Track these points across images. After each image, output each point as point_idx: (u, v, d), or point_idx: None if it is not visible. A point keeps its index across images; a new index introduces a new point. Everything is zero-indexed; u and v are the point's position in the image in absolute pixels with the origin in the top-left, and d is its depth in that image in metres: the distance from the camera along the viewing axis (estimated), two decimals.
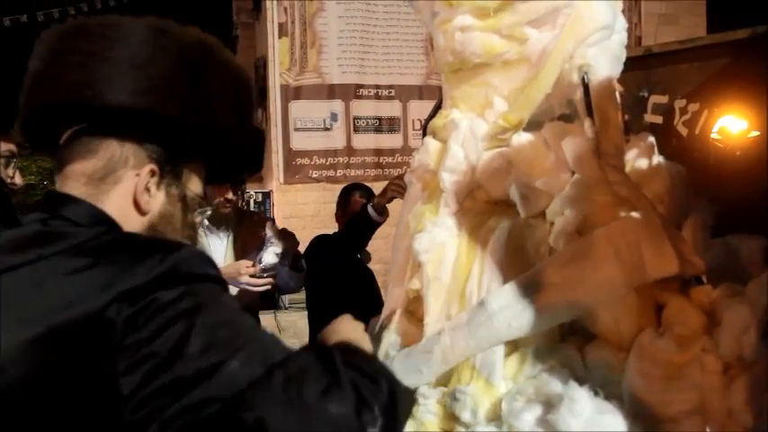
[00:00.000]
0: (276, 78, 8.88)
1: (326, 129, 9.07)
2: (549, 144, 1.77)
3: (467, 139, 1.79)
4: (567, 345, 1.59)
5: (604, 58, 1.72)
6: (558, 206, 1.63)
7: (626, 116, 2.35)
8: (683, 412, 1.36)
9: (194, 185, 1.08)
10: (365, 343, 1.01)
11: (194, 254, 0.91)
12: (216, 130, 1.05)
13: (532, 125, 1.83)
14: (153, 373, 0.79)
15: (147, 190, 1.00)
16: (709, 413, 1.36)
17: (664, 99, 2.34)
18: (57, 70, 0.99)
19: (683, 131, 2.29)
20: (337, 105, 9.01)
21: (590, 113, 1.70)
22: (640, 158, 1.91)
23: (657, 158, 1.91)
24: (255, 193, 9.39)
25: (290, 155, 9.05)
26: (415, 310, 1.83)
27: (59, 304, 0.84)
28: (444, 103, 1.95)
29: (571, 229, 1.61)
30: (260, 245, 2.77)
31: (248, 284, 2.66)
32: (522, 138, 1.78)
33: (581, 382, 1.48)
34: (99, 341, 0.81)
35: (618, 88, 1.80)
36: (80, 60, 0.98)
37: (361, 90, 9.02)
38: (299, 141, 9.10)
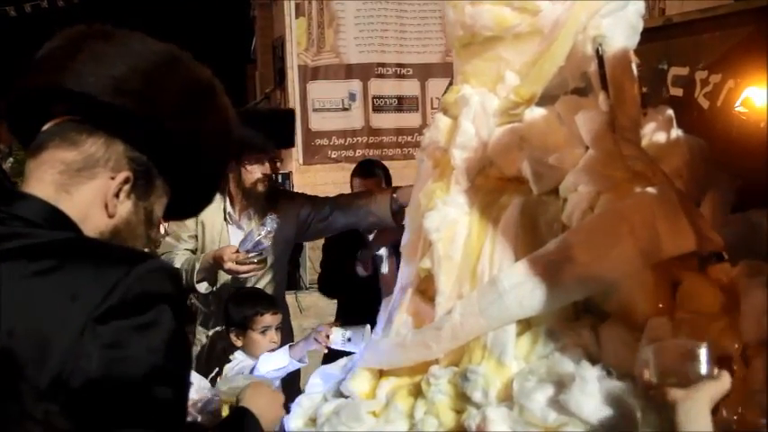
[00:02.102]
0: (294, 59, 8.82)
1: (345, 109, 9.01)
2: (563, 119, 1.72)
3: (478, 114, 1.75)
4: (580, 324, 1.55)
5: (619, 29, 1.67)
6: (572, 182, 1.59)
7: (644, 89, 2.28)
8: None
9: (159, 208, 1.09)
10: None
11: (158, 268, 0.92)
12: (191, 166, 1.08)
13: (546, 100, 1.78)
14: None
15: (117, 195, 1.01)
16: (726, 395, 1.32)
17: (684, 71, 2.26)
18: (71, 60, 1.01)
19: (705, 104, 2.22)
20: (355, 85, 8.93)
21: (605, 86, 1.64)
22: (658, 132, 1.86)
23: (676, 132, 1.85)
24: (275, 174, 9.36)
25: (308, 136, 9.02)
26: (426, 289, 1.81)
27: (18, 307, 0.85)
28: (455, 78, 1.91)
29: (585, 206, 1.57)
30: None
31: (230, 270, 2.63)
32: (535, 113, 1.74)
33: (594, 361, 1.45)
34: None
35: (634, 60, 1.74)
36: (89, 56, 1.00)
37: (379, 69, 8.93)
38: (317, 122, 9.06)
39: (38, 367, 0.83)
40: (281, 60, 8.98)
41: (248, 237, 2.62)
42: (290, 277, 3.59)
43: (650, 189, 1.51)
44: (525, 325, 1.59)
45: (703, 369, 1.16)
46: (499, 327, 1.57)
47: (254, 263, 2.61)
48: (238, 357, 2.39)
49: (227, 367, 2.35)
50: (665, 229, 1.46)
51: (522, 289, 1.54)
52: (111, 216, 1.00)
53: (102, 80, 0.99)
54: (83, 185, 0.98)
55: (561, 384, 1.41)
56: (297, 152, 9.15)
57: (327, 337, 2.22)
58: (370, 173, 3.32)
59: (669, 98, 2.27)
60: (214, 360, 2.68)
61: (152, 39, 1.07)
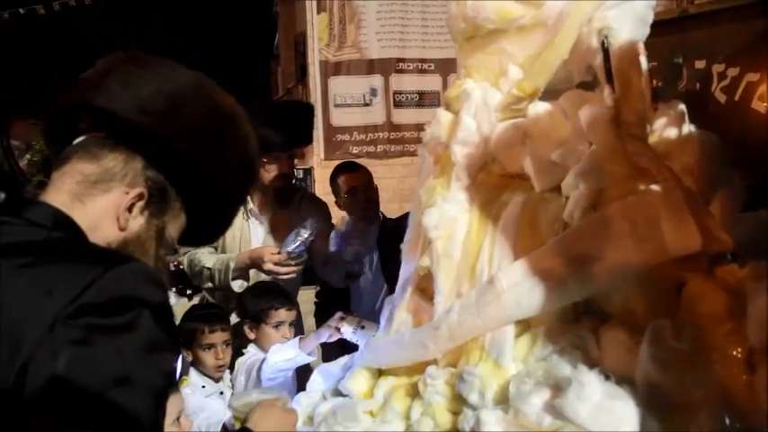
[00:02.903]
0: (315, 54, 8.83)
1: (366, 104, 8.99)
2: (567, 114, 1.67)
3: (479, 109, 1.70)
4: (580, 325, 1.51)
5: (626, 21, 1.61)
6: (573, 179, 1.54)
7: (658, 83, 2.21)
8: (700, 401, 1.27)
9: (173, 229, 1.12)
10: None
11: (139, 271, 0.92)
12: (210, 191, 1.12)
13: (550, 94, 1.74)
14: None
15: (130, 210, 1.04)
16: (730, 402, 1.26)
17: (701, 64, 2.18)
18: (105, 80, 1.08)
19: (722, 98, 2.14)
20: (377, 80, 8.90)
21: (610, 80, 1.59)
22: (669, 128, 1.79)
23: (688, 127, 1.78)
24: (296, 169, 9.42)
25: (330, 131, 9.02)
26: (426, 287, 1.78)
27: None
28: (458, 72, 1.87)
29: (586, 204, 1.52)
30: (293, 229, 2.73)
31: (270, 271, 2.64)
32: (539, 107, 1.69)
33: (594, 364, 1.40)
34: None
35: (642, 53, 1.68)
36: (126, 79, 1.07)
37: (400, 64, 8.89)
38: (339, 117, 9.05)
39: (8, 361, 0.81)
40: (303, 56, 9.00)
41: (289, 238, 2.65)
42: (311, 272, 3.59)
43: (655, 186, 1.45)
44: (524, 326, 1.54)
45: None
46: (497, 327, 1.53)
47: (293, 264, 2.63)
48: (251, 351, 2.39)
49: (238, 361, 2.36)
50: (670, 228, 1.40)
51: (521, 289, 1.49)
52: (121, 229, 1.04)
53: (128, 99, 1.05)
54: (97, 197, 1.02)
55: (558, 388, 1.36)
56: (318, 147, 9.16)
57: (339, 329, 2.20)
58: (355, 167, 3.27)
59: (684, 92, 2.20)
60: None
61: (182, 66, 1.13)
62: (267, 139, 2.61)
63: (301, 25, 9.24)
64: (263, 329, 2.38)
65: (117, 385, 0.84)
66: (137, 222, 1.06)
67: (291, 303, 2.49)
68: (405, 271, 1.87)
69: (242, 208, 2.80)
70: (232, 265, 2.71)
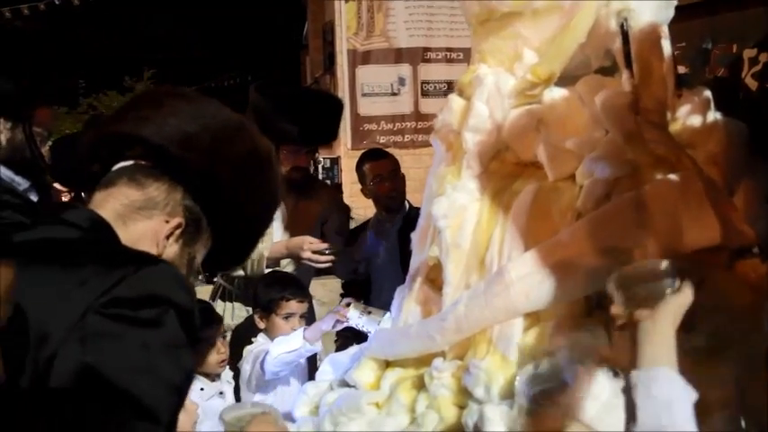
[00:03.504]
0: (343, 43, 8.79)
1: (394, 93, 8.93)
2: (585, 100, 1.61)
3: (492, 95, 1.65)
4: (591, 320, 1.45)
5: (647, 2, 1.53)
6: (588, 168, 1.48)
7: (685, 68, 2.12)
8: (714, 404, 1.21)
9: (200, 256, 1.17)
10: None
11: (170, 273, 0.97)
12: (240, 226, 1.19)
13: (568, 80, 1.67)
14: None
15: (168, 237, 1.10)
16: (746, 405, 1.20)
17: (730, 49, 2.09)
18: (153, 113, 1.14)
19: (753, 85, 2.04)
20: (405, 69, 8.83)
21: (629, 65, 1.52)
22: (693, 115, 1.71)
23: (713, 115, 1.70)
24: (324, 158, 9.43)
25: (357, 120, 8.99)
26: (435, 278, 1.73)
27: (33, 292, 0.87)
28: (472, 57, 1.81)
29: (600, 193, 1.45)
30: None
31: (309, 260, 2.65)
32: (555, 94, 1.63)
33: (604, 361, 1.35)
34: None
35: (665, 36, 1.60)
36: (172, 111, 1.14)
37: (428, 54, 8.80)
38: (366, 107, 9.02)
39: (39, 347, 0.84)
40: (331, 45, 8.97)
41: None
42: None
43: (673, 176, 1.39)
44: (534, 319, 1.49)
45: (666, 285, 1.06)
46: (505, 320, 1.48)
47: (331, 253, 2.65)
48: (260, 340, 2.37)
49: (246, 349, 2.34)
50: (688, 219, 1.34)
51: (530, 281, 1.44)
52: (158, 255, 1.09)
53: (176, 133, 1.11)
54: (139, 222, 1.08)
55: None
56: (345, 137, 9.14)
57: (345, 315, 2.17)
58: (382, 155, 3.24)
59: (713, 79, 2.10)
60: (242, 343, 2.69)
61: (227, 107, 1.20)
62: (287, 133, 2.61)
63: (330, 14, 9.21)
64: (273, 320, 2.35)
65: (139, 376, 0.87)
66: (172, 250, 1.11)
67: (303, 295, 2.45)
68: (415, 261, 1.83)
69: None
70: (266, 254, 2.70)
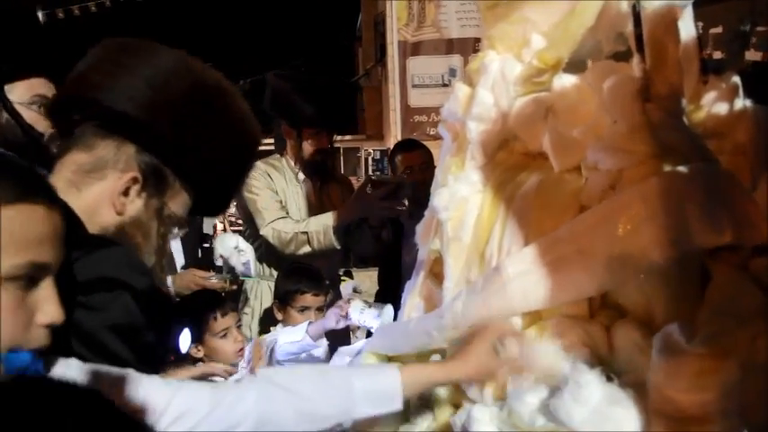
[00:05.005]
0: (394, 34, 8.74)
1: (445, 85, 8.81)
2: (595, 87, 1.52)
3: (497, 82, 1.58)
4: (593, 320, 1.37)
5: None
6: (592, 158, 1.39)
7: (720, 53, 1.98)
8: (717, 412, 1.11)
9: (176, 206, 1.15)
10: None
11: (121, 255, 0.97)
12: (204, 168, 1.14)
13: (581, 66, 1.58)
14: None
15: (126, 194, 1.08)
16: (752, 415, 1.10)
17: None
18: (91, 71, 1.13)
19: None
20: (456, 60, 8.69)
21: (640, 49, 1.42)
22: (720, 103, 1.60)
23: (742, 102, 1.58)
24: (374, 150, 9.44)
25: (407, 112, 8.94)
26: (439, 272, 1.68)
27: None
28: (482, 44, 1.74)
29: (605, 185, 1.37)
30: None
31: (383, 210, 2.72)
32: (565, 80, 1.54)
33: (603, 364, 1.27)
34: None
35: (683, 17, 1.49)
36: (111, 69, 1.11)
37: (480, 44, 8.62)
38: (417, 98, 8.94)
39: None
40: (382, 36, 8.93)
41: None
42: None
43: (682, 167, 1.29)
44: (534, 317, 1.42)
45: None
46: (502, 318, 1.41)
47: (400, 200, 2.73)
48: (276, 331, 2.38)
49: (261, 338, 2.36)
50: (696, 215, 1.24)
51: (528, 279, 1.37)
52: (119, 213, 1.07)
53: (114, 89, 1.09)
54: (92, 185, 1.07)
55: (557, 387, 1.24)
56: (396, 128, 9.11)
57: (347, 312, 2.15)
58: (414, 146, 3.25)
59: (752, 63, 1.95)
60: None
61: (165, 47, 1.16)
62: (303, 114, 2.67)
63: (382, 6, 9.17)
64: (288, 311, 2.36)
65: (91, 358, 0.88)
66: (134, 206, 1.09)
67: (319, 288, 2.44)
68: (420, 254, 1.78)
69: (294, 178, 2.89)
70: (331, 223, 2.73)
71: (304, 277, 2.42)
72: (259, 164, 2.86)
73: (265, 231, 2.75)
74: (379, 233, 2.99)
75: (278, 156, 2.99)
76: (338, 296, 2.82)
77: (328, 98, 2.84)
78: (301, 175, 2.98)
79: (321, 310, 2.39)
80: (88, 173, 1.07)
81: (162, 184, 1.12)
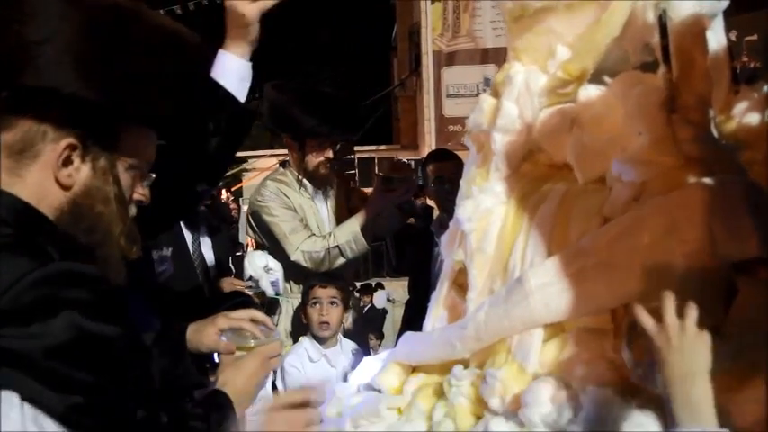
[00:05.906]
0: (429, 45, 8.78)
1: (479, 94, 8.79)
2: (621, 98, 1.51)
3: (521, 94, 1.58)
4: (612, 333, 1.35)
5: None
6: (615, 170, 1.38)
7: (755, 63, 1.95)
8: (743, 428, 1.10)
9: (133, 152, 1.02)
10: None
11: (55, 273, 0.87)
12: (144, 99, 1.00)
13: (606, 77, 1.57)
14: None
15: (68, 164, 0.95)
16: None
17: None
18: None
19: None
20: (491, 70, 8.67)
21: (666, 59, 1.41)
22: (751, 113, 1.57)
23: None
24: (408, 160, 9.44)
25: (442, 122, 8.95)
26: (463, 282, 1.68)
27: None
28: (508, 55, 1.74)
29: (628, 197, 1.36)
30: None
31: (403, 203, 2.84)
32: (590, 91, 1.54)
33: (621, 378, 1.26)
34: None
35: (713, 28, 1.48)
36: (12, 41, 0.94)
37: None
38: (451, 108, 8.96)
39: None
40: (417, 47, 8.98)
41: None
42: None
43: (707, 180, 1.27)
44: (557, 329, 1.42)
45: None
46: (524, 329, 1.41)
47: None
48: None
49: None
50: (721, 228, 1.22)
51: (550, 290, 1.37)
52: (67, 188, 0.96)
53: (10, 56, 0.94)
54: (30, 167, 0.95)
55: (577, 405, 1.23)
56: (430, 138, 9.13)
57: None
58: (445, 156, 3.20)
59: None
60: None
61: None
62: (303, 125, 2.64)
63: (417, 16, 9.23)
64: (306, 311, 2.45)
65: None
66: (82, 174, 0.97)
67: (327, 281, 2.48)
68: (445, 265, 1.79)
69: (305, 191, 2.87)
70: (357, 228, 2.71)
71: (313, 273, 2.50)
72: (269, 183, 2.82)
73: (297, 257, 2.68)
74: (403, 206, 2.96)
75: (281, 170, 2.93)
76: (373, 306, 2.84)
77: (329, 107, 2.79)
78: (311, 187, 2.89)
79: (334, 303, 2.41)
80: (21, 153, 0.94)
81: (104, 140, 0.98)
